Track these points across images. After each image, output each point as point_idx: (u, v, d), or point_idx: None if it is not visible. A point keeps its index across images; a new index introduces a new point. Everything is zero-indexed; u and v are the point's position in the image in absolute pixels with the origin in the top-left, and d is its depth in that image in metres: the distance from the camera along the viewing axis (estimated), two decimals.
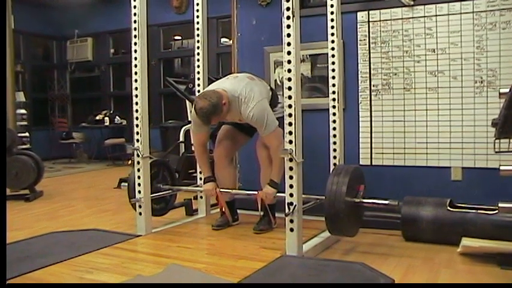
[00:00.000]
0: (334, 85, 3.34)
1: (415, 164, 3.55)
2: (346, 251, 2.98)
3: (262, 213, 3.26)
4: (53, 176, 7.08)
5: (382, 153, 3.65)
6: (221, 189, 3.35)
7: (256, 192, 3.19)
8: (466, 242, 2.81)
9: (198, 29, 3.77)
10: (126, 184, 3.49)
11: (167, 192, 3.57)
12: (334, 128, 3.33)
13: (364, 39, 3.67)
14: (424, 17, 3.47)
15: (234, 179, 3.53)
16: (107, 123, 8.72)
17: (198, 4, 3.77)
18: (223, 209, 3.39)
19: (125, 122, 8.68)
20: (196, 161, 3.43)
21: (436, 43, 3.44)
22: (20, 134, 6.65)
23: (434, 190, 3.38)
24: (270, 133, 3.04)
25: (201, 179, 3.55)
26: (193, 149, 3.52)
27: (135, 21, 3.13)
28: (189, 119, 3.35)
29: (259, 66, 4.00)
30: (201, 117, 3.01)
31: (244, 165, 4.07)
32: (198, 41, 3.78)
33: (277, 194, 3.10)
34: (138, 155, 3.18)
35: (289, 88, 2.64)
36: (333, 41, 3.33)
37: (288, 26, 2.62)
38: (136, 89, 3.16)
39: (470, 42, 3.34)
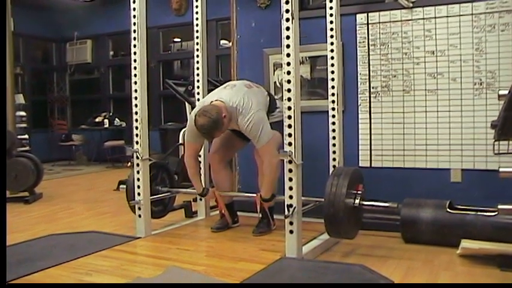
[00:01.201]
0: (333, 87, 3.34)
1: (415, 165, 3.55)
2: (346, 253, 2.98)
3: (261, 215, 3.26)
4: (53, 178, 7.08)
5: (382, 155, 3.65)
6: (220, 192, 3.36)
7: (255, 195, 3.19)
8: (465, 243, 2.81)
9: (197, 31, 3.77)
10: (125, 186, 3.49)
11: (166, 194, 3.57)
12: (334, 130, 3.33)
13: (363, 41, 3.67)
14: (423, 19, 3.47)
15: (231, 181, 3.53)
16: (107, 125, 8.72)
17: (197, 6, 3.77)
18: (223, 212, 3.39)
19: (124, 124, 8.67)
20: (188, 173, 3.31)
21: (435, 45, 3.44)
22: (19, 136, 6.63)
23: (433, 192, 3.38)
24: (263, 146, 3.03)
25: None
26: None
27: (134, 24, 3.13)
28: (186, 130, 3.31)
29: (259, 69, 4.01)
30: (203, 135, 3.03)
31: (243, 168, 4.07)
32: (197, 43, 3.78)
33: (277, 197, 3.10)
34: (137, 157, 3.18)
35: (289, 90, 2.64)
36: (332, 43, 3.33)
37: (287, 28, 2.63)
38: (135, 91, 3.16)
39: (469, 44, 3.34)
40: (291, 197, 2.67)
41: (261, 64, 4.03)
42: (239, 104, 3.02)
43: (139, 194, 3.20)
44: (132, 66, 3.16)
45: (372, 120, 3.67)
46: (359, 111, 3.70)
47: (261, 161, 3.21)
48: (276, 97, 3.42)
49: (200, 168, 3.55)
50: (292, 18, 2.61)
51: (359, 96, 3.70)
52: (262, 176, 3.23)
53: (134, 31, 3.13)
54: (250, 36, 4.09)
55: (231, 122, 3.06)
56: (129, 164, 5.07)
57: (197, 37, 3.78)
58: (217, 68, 7.88)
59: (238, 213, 3.53)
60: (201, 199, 3.77)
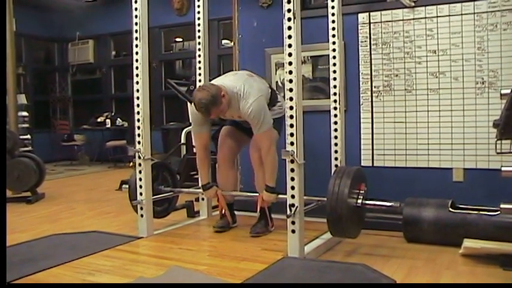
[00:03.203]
0: (335, 86, 3.34)
1: (417, 165, 3.54)
2: (348, 253, 2.98)
3: (259, 214, 3.26)
4: (55, 178, 7.09)
5: (384, 154, 3.65)
6: (223, 192, 3.36)
7: (257, 195, 3.19)
8: (467, 243, 2.81)
9: (199, 30, 3.78)
10: (127, 186, 3.49)
11: (168, 194, 3.57)
12: (336, 130, 3.33)
13: (365, 41, 3.67)
14: (425, 18, 3.47)
15: (235, 182, 3.53)
16: (109, 126, 8.74)
17: (199, 6, 3.78)
18: (224, 211, 3.38)
19: (126, 124, 8.68)
20: (197, 164, 3.39)
21: (437, 44, 3.44)
22: (21, 137, 6.64)
23: (435, 191, 3.37)
24: (263, 132, 3.02)
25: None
26: (194, 151, 3.51)
27: (136, 23, 3.14)
28: (191, 121, 3.33)
29: (261, 68, 4.00)
30: (200, 109, 2.98)
31: (245, 168, 4.07)
32: (199, 43, 3.79)
33: (279, 196, 3.10)
34: (139, 157, 3.19)
35: (291, 90, 2.65)
36: (334, 43, 3.33)
37: (289, 28, 2.63)
38: (137, 91, 3.16)
39: (471, 43, 3.34)
40: (293, 196, 2.67)
41: (263, 64, 4.03)
42: (240, 89, 3.03)
43: (141, 193, 3.21)
44: (134, 66, 3.16)
45: (374, 120, 3.67)
46: (361, 111, 3.70)
47: (255, 156, 3.18)
48: (280, 94, 3.42)
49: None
50: (294, 17, 2.61)
51: (361, 95, 3.69)
52: (258, 170, 3.21)
53: (136, 31, 3.14)
54: (252, 35, 4.09)
55: (230, 107, 3.05)
56: (131, 164, 5.08)
57: (199, 37, 3.78)
58: (219, 68, 7.87)
59: (240, 213, 3.53)
60: (203, 199, 3.77)
